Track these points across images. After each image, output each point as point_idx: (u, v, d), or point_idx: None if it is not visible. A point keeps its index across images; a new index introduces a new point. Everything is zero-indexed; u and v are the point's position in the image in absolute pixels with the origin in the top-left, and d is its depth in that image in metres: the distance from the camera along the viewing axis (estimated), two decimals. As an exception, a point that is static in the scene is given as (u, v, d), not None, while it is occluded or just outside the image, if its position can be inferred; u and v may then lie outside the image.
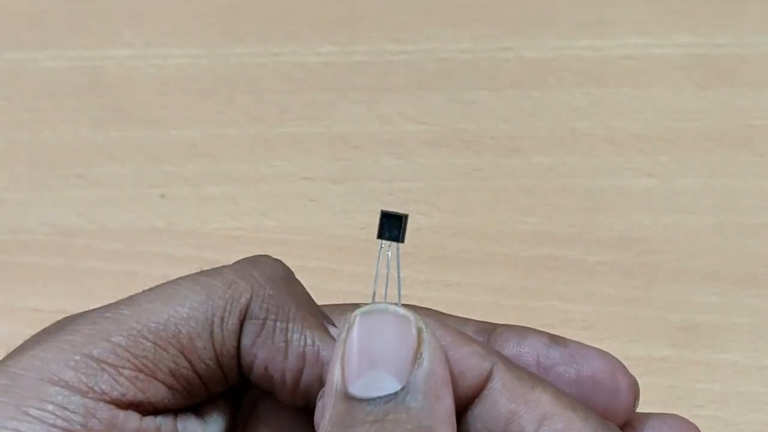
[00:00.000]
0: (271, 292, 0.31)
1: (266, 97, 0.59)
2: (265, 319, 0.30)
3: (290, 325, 0.31)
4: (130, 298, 0.31)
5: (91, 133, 0.59)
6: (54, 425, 0.28)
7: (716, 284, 0.53)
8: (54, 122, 0.59)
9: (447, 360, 0.29)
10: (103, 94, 0.60)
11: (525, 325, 0.34)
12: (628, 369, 0.51)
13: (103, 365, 0.29)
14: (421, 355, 0.28)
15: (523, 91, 0.59)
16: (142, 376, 0.29)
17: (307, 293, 0.32)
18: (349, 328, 0.29)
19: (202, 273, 0.31)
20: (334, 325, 0.31)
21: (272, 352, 0.30)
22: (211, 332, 0.30)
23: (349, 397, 0.28)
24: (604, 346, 0.51)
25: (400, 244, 0.30)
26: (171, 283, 0.31)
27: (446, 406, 0.28)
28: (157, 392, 0.30)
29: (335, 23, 0.61)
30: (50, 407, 0.28)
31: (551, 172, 0.56)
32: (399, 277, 0.30)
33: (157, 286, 0.31)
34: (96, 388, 0.29)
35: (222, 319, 0.30)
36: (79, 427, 0.29)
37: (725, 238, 0.54)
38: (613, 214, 0.55)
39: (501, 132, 0.58)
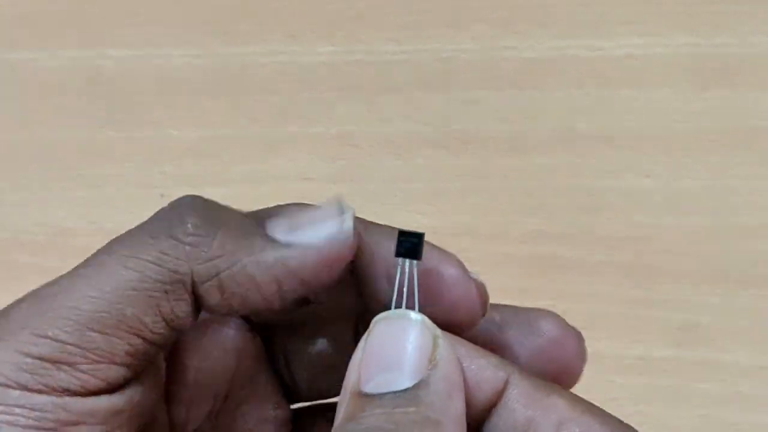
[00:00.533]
0: (206, 250, 0.30)
1: (266, 97, 0.59)
2: (217, 275, 0.30)
3: (243, 261, 0.30)
4: (57, 281, 0.30)
5: (91, 133, 0.59)
6: (27, 426, 0.29)
7: (716, 284, 0.53)
8: (53, 122, 0.59)
9: (462, 369, 0.30)
10: (103, 94, 0.60)
11: None
12: (628, 369, 0.51)
13: (57, 365, 0.29)
14: (435, 358, 0.29)
15: (523, 91, 0.59)
16: (99, 366, 0.29)
17: (233, 210, 0.32)
18: (367, 334, 0.30)
19: (119, 244, 0.30)
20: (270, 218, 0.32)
21: (236, 291, 0.30)
22: (158, 306, 0.30)
23: (362, 395, 0.29)
24: (604, 347, 0.52)
25: (417, 261, 0.31)
26: (95, 261, 0.30)
27: (457, 406, 0.29)
28: (117, 373, 0.30)
29: (335, 23, 0.61)
30: (17, 410, 0.28)
31: (551, 173, 0.56)
32: (416, 292, 0.31)
33: (81, 265, 0.30)
34: (56, 386, 0.29)
35: (167, 293, 0.30)
36: (51, 424, 0.29)
37: (725, 238, 0.54)
38: (613, 214, 0.55)
39: (501, 132, 0.58)
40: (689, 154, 0.57)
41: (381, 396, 0.28)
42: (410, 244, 0.31)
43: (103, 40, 0.61)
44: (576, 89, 0.59)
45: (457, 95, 0.59)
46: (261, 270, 0.30)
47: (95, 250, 0.31)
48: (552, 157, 0.57)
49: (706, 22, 0.60)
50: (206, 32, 0.61)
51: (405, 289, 0.31)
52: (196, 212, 0.31)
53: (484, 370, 0.30)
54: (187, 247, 0.30)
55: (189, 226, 0.30)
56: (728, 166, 0.56)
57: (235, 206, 0.56)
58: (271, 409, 0.35)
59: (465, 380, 0.30)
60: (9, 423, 0.28)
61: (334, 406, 0.30)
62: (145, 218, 0.32)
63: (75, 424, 0.29)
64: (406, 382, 0.28)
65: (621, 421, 0.30)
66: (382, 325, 0.30)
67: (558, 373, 0.33)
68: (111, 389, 0.30)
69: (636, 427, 0.30)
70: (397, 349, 0.29)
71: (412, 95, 0.59)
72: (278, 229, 0.31)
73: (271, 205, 0.34)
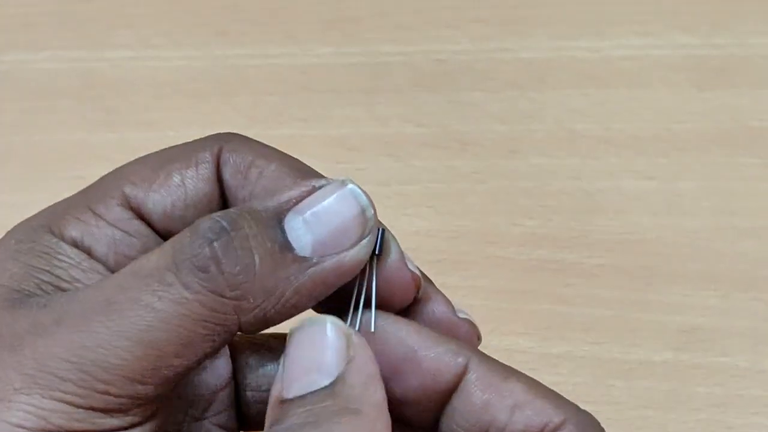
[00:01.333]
0: (252, 299, 0.30)
1: (263, 98, 0.59)
2: (264, 316, 0.31)
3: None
4: (88, 321, 0.30)
5: (88, 135, 0.58)
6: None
7: (716, 287, 0.53)
8: (50, 124, 0.59)
9: (375, 361, 0.31)
10: (100, 95, 0.60)
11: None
12: (628, 372, 0.51)
13: (107, 412, 0.30)
14: (350, 354, 0.30)
15: (522, 92, 0.59)
16: (144, 407, 0.30)
17: (252, 216, 0.31)
18: (286, 345, 0.31)
19: (153, 293, 0.30)
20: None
21: (278, 320, 0.31)
22: (204, 352, 0.31)
23: (285, 401, 0.30)
24: (603, 350, 0.52)
25: (375, 256, 0.32)
26: (132, 305, 0.30)
27: (376, 395, 0.30)
28: (154, 408, 0.31)
29: (332, 24, 0.61)
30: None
31: (550, 174, 0.56)
32: (375, 284, 0.32)
33: (110, 307, 0.30)
34: (104, 428, 0.30)
35: (213, 341, 0.31)
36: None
37: (725, 241, 0.54)
38: (612, 216, 0.55)
39: (499, 133, 0.57)
40: (689, 154, 0.57)
41: (302, 397, 0.29)
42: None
43: (100, 42, 0.61)
44: (576, 89, 0.59)
45: (456, 96, 0.59)
46: (301, 295, 0.31)
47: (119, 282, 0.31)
48: (551, 158, 0.57)
49: (706, 22, 0.60)
50: (204, 33, 0.61)
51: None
52: (229, 258, 0.30)
53: (443, 356, 0.32)
54: (234, 302, 0.30)
55: (229, 281, 0.30)
56: (727, 168, 0.56)
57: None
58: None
59: (425, 367, 0.32)
60: None
61: None
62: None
63: None
64: (324, 381, 0.30)
65: (578, 407, 0.32)
66: (297, 334, 0.31)
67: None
68: (147, 419, 0.31)
69: (636, 431, 0.30)
70: (313, 352, 0.30)
71: (410, 96, 0.59)
72: (301, 236, 0.31)
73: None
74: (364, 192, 0.32)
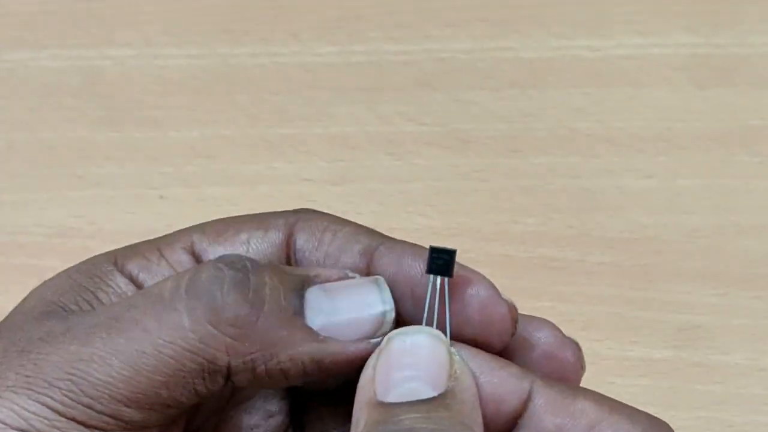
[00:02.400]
0: (246, 344, 0.30)
1: (265, 97, 0.59)
2: (253, 369, 0.31)
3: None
4: (87, 339, 0.30)
5: (90, 134, 0.58)
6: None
7: (716, 285, 0.53)
8: (52, 122, 0.59)
9: (478, 386, 0.30)
10: (102, 94, 0.60)
11: None
12: (628, 370, 0.51)
13: (91, 428, 0.30)
14: (455, 372, 0.30)
15: (523, 91, 0.59)
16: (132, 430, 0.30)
17: (274, 274, 0.31)
18: (382, 349, 0.30)
19: (151, 317, 0.30)
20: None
21: (265, 381, 0.31)
22: (194, 387, 0.30)
23: (383, 404, 0.29)
24: (603, 347, 0.52)
25: (448, 279, 0.31)
26: (125, 331, 0.30)
27: (479, 419, 0.30)
28: None
29: (334, 23, 0.61)
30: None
31: (550, 173, 0.56)
32: (447, 308, 0.31)
33: (108, 327, 0.30)
34: None
35: (203, 378, 0.30)
36: None
37: (725, 239, 0.54)
38: (613, 214, 0.55)
39: (500, 132, 0.58)
40: (689, 154, 0.57)
41: (409, 403, 0.29)
42: (442, 261, 0.31)
43: (103, 40, 0.61)
44: (576, 89, 0.59)
45: (457, 95, 0.59)
46: (294, 364, 0.30)
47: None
48: (552, 157, 0.57)
49: (706, 22, 0.60)
50: (206, 32, 0.61)
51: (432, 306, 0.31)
52: (239, 292, 0.30)
53: (506, 382, 0.31)
54: (228, 340, 0.30)
55: (230, 315, 0.30)
56: (728, 166, 0.56)
57: (234, 207, 0.56)
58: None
59: (488, 393, 0.30)
60: None
61: None
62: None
63: None
64: (429, 392, 0.29)
65: (649, 416, 0.31)
66: (398, 340, 0.30)
67: None
68: None
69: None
70: (416, 360, 0.30)
71: (412, 95, 0.59)
72: (317, 309, 0.31)
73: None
74: (389, 290, 0.31)
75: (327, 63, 0.60)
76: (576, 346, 0.33)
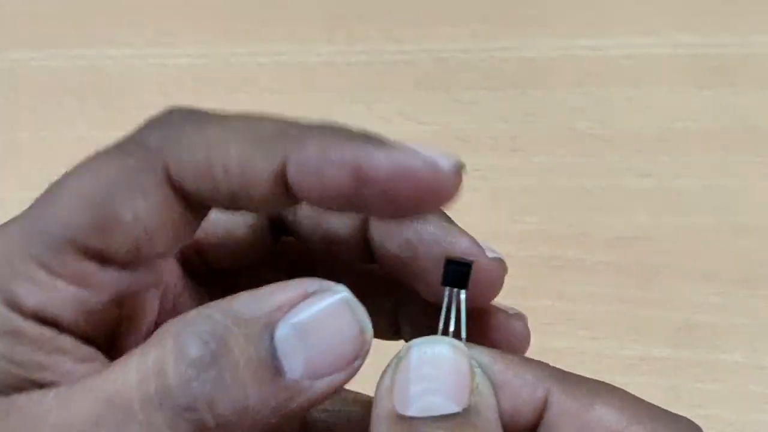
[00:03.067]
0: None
1: (266, 96, 0.59)
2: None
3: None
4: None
5: (90, 133, 0.59)
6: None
7: (715, 284, 0.53)
8: (54, 121, 0.59)
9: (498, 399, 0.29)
10: (103, 93, 0.60)
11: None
12: (628, 368, 0.51)
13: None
14: (477, 386, 0.29)
15: (523, 91, 0.59)
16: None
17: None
18: (401, 358, 0.29)
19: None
20: None
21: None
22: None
23: (405, 418, 0.28)
24: (603, 346, 0.52)
25: (465, 290, 0.30)
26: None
27: None
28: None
29: (335, 23, 0.61)
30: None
31: (551, 172, 0.56)
32: (463, 319, 0.30)
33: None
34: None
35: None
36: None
37: (724, 238, 0.54)
38: (613, 213, 0.55)
39: (500, 132, 0.58)
40: (689, 153, 0.57)
41: (432, 418, 0.28)
42: (459, 273, 0.30)
43: (103, 40, 0.61)
44: (577, 88, 0.59)
45: (457, 95, 0.59)
46: (288, 418, 0.28)
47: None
48: (552, 156, 0.57)
49: (706, 22, 0.60)
50: (208, 32, 0.61)
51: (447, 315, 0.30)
52: (220, 388, 0.27)
53: (521, 392, 0.29)
54: (215, 423, 0.28)
55: (221, 417, 0.27)
56: (728, 166, 0.56)
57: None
58: None
59: (505, 409, 0.29)
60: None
61: None
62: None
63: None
64: (453, 407, 0.28)
65: (674, 422, 0.29)
66: (419, 351, 0.29)
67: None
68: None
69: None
70: (437, 372, 0.28)
71: (412, 95, 0.59)
72: (293, 356, 0.28)
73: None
74: (360, 304, 0.28)
75: (327, 62, 0.60)
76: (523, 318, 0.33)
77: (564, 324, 0.52)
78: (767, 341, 0.51)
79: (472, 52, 0.60)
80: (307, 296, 0.28)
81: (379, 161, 0.28)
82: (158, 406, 0.26)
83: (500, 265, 0.31)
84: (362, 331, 0.28)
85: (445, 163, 0.28)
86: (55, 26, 0.62)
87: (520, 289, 0.52)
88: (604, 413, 0.29)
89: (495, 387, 0.29)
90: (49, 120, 0.59)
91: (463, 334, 0.30)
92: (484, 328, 0.32)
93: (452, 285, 0.30)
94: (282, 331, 0.28)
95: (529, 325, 0.34)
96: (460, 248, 0.30)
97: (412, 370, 0.28)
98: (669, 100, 0.59)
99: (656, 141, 0.57)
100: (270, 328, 0.28)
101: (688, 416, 0.33)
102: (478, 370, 0.29)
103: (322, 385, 0.28)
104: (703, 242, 0.54)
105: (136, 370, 0.27)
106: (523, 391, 0.29)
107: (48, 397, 0.27)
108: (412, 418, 0.28)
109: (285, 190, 0.28)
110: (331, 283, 0.28)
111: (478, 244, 0.31)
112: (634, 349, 0.51)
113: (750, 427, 0.49)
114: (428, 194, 0.28)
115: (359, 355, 0.28)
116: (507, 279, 0.33)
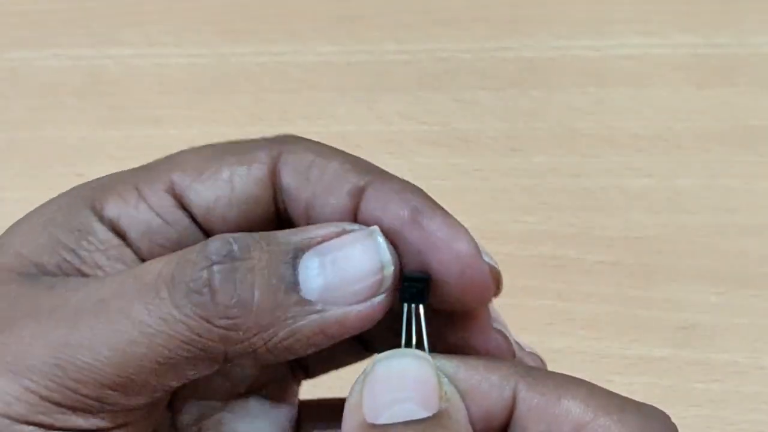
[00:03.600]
0: (241, 332, 0.29)
1: (266, 96, 0.59)
2: (253, 351, 0.30)
3: None
4: (73, 322, 0.29)
5: (92, 132, 0.59)
6: None
7: (715, 284, 0.53)
8: (54, 121, 0.59)
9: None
10: (104, 93, 0.60)
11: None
12: (627, 368, 0.51)
13: (74, 410, 0.29)
14: (445, 393, 0.29)
15: (523, 90, 0.59)
16: (116, 414, 0.30)
17: (262, 249, 0.30)
18: (367, 374, 0.29)
19: (137, 306, 0.29)
20: None
21: (267, 358, 0.30)
22: (185, 373, 0.30)
23: (377, 427, 0.28)
24: (603, 346, 0.52)
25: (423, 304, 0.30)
26: (113, 314, 0.29)
27: None
28: (135, 416, 0.30)
29: (335, 23, 0.61)
30: None
31: (551, 172, 0.56)
32: (424, 332, 0.30)
33: (95, 311, 0.29)
34: (71, 427, 0.29)
35: (195, 366, 0.29)
36: None
37: (724, 238, 0.54)
38: (613, 213, 0.55)
39: (500, 132, 0.58)
40: (689, 153, 0.57)
41: (403, 423, 0.28)
42: (415, 289, 0.30)
43: (105, 40, 0.61)
44: (577, 88, 0.59)
45: (458, 94, 0.59)
46: (297, 339, 0.29)
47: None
48: (552, 157, 0.57)
49: (706, 22, 0.61)
50: (206, 32, 0.62)
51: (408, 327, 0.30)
52: (227, 287, 0.29)
53: (489, 395, 0.30)
54: (221, 331, 0.28)
55: (221, 306, 0.29)
56: (728, 166, 0.56)
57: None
58: None
59: (473, 413, 0.30)
60: None
61: None
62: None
63: None
64: (423, 413, 0.28)
65: (641, 413, 0.29)
66: (386, 363, 0.29)
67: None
68: (117, 426, 0.30)
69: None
70: (404, 383, 0.29)
71: (412, 95, 0.59)
72: (312, 278, 0.29)
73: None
74: (390, 248, 0.30)
75: (327, 62, 0.60)
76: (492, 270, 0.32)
77: (564, 324, 0.52)
78: (767, 341, 0.51)
79: (472, 52, 0.60)
80: (343, 233, 0.30)
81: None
82: (170, 284, 0.29)
83: (491, 271, 0.31)
84: (381, 268, 0.29)
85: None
86: (55, 26, 0.62)
87: (520, 288, 0.52)
88: (571, 406, 0.29)
89: (462, 393, 0.29)
90: (50, 119, 0.59)
91: (425, 345, 0.30)
92: (467, 335, 0.32)
93: (410, 301, 0.30)
94: (308, 257, 0.29)
95: (529, 325, 0.34)
96: (455, 251, 0.30)
97: (379, 383, 0.29)
98: (669, 100, 0.59)
99: (656, 140, 0.57)
100: (297, 251, 0.29)
101: (689, 416, 0.33)
102: (444, 379, 0.29)
103: (335, 313, 0.29)
104: (703, 242, 0.54)
105: (164, 260, 0.29)
106: (491, 393, 0.30)
107: (89, 279, 0.30)
108: (383, 426, 0.28)
109: None
110: (367, 228, 0.30)
111: (476, 246, 0.31)
112: (634, 349, 0.51)
113: (749, 428, 0.49)
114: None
115: (377, 292, 0.29)
116: (507, 279, 0.33)
